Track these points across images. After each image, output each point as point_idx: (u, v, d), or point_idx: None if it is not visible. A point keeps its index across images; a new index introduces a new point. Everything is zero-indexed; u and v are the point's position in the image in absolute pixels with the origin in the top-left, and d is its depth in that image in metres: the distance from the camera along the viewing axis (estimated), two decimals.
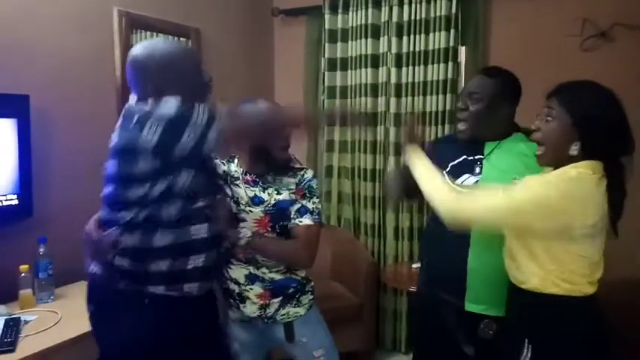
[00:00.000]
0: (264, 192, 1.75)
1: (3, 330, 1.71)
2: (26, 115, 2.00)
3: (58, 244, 2.13)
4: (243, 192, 1.74)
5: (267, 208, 1.73)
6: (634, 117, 1.39)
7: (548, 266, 1.42)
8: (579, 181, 1.39)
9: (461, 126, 1.76)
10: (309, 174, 1.80)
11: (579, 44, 2.70)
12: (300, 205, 1.74)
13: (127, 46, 2.51)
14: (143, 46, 1.46)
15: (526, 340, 1.47)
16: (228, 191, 1.74)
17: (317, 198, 1.78)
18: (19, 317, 1.83)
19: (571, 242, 1.40)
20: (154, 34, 2.73)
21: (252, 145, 1.71)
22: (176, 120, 1.26)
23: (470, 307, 1.69)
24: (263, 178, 1.76)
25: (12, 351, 1.62)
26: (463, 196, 1.46)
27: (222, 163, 1.79)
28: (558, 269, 1.41)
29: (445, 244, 1.78)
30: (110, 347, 1.42)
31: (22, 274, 1.97)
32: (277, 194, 1.75)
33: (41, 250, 2.02)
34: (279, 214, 1.74)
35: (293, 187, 1.76)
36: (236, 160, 1.80)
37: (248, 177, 1.76)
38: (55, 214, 2.21)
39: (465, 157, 1.77)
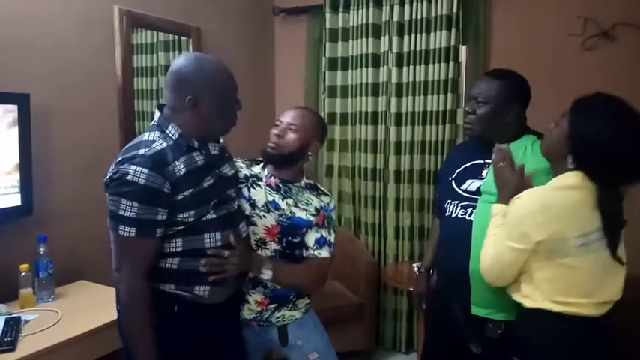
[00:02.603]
0: (282, 200, 1.71)
1: (3, 329, 1.71)
2: (27, 114, 2.00)
3: (59, 243, 2.13)
4: (263, 194, 1.71)
5: (280, 218, 1.69)
6: None
7: (541, 283, 1.40)
8: (562, 190, 1.36)
9: (468, 131, 1.74)
10: (333, 204, 1.79)
11: (581, 43, 2.69)
12: (319, 235, 1.73)
13: (127, 44, 2.51)
14: (190, 57, 1.49)
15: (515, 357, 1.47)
16: (246, 193, 1.70)
17: (334, 229, 1.77)
18: (20, 316, 1.83)
19: (564, 255, 1.35)
20: (155, 32, 2.73)
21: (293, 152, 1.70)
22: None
23: (475, 310, 1.67)
24: (286, 185, 1.74)
25: (12, 350, 1.62)
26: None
27: (245, 166, 1.77)
28: (551, 286, 1.39)
29: (450, 247, 1.79)
30: None
31: (23, 273, 1.97)
32: (294, 207, 1.71)
33: (41, 249, 2.02)
34: (290, 229, 1.70)
35: (312, 209, 1.73)
36: (261, 164, 1.77)
37: (272, 180, 1.74)
38: (56, 212, 2.21)
39: (472, 162, 1.75)
